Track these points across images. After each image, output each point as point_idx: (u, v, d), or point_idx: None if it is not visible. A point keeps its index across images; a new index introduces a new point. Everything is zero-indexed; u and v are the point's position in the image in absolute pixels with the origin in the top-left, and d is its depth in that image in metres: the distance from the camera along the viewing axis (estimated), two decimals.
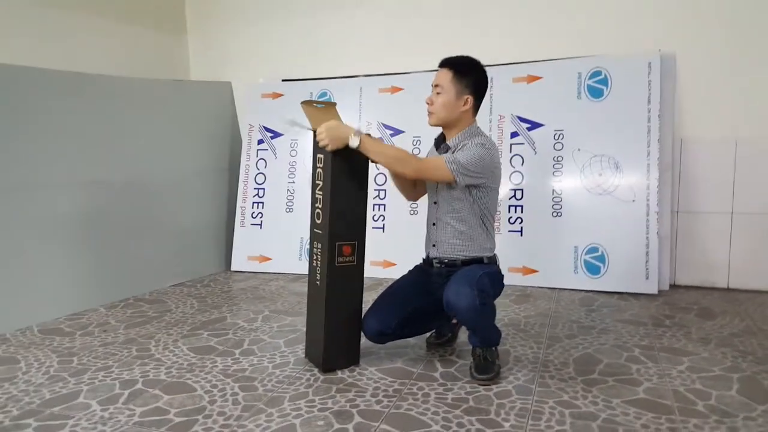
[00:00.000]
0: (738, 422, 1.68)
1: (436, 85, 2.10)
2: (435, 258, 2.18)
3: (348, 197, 2.08)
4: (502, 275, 2.19)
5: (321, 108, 2.10)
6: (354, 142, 1.96)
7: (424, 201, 2.33)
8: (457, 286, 1.96)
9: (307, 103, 2.12)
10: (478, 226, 2.13)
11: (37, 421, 1.76)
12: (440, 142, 2.19)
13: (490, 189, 2.12)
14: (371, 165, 2.09)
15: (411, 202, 2.57)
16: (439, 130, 2.22)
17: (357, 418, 1.75)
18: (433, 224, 2.19)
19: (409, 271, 2.32)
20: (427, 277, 2.21)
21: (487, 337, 2.07)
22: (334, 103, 2.11)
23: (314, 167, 2.16)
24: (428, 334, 2.41)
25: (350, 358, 2.17)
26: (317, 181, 2.14)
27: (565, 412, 1.76)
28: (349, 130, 1.98)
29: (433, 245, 2.19)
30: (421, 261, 2.30)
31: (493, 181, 2.12)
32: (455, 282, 1.99)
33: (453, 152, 2.08)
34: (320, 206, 2.11)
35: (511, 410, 1.78)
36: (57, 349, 2.42)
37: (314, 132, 2.06)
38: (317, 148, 2.11)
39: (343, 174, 2.05)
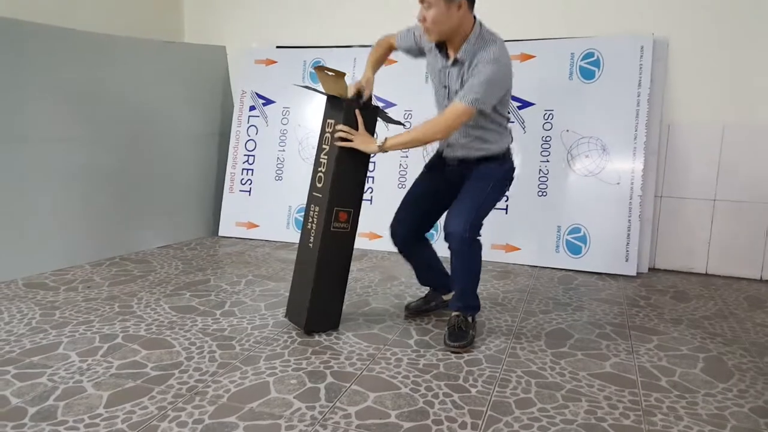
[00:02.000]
0: (698, 398, 1.74)
1: (422, 0, 1.98)
2: (449, 157, 2.21)
3: (352, 166, 2.13)
4: (514, 169, 2.26)
5: (332, 76, 2.11)
6: (375, 150, 2.08)
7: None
8: (459, 203, 2.08)
9: (319, 69, 2.13)
10: (494, 125, 2.12)
11: (17, 368, 1.80)
12: (442, 48, 2.11)
13: (504, 94, 2.10)
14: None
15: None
16: None
17: (329, 379, 1.80)
18: None
19: (423, 173, 2.35)
20: (440, 175, 2.27)
21: (464, 298, 2.14)
22: (344, 73, 2.11)
23: (322, 131, 2.19)
24: (408, 301, 2.45)
25: (332, 322, 2.22)
26: (323, 146, 2.17)
27: (531, 381, 1.81)
28: (375, 146, 2.07)
29: (448, 145, 2.21)
30: (434, 157, 2.32)
31: (508, 89, 2.10)
32: (462, 197, 2.10)
33: (466, 70, 2.03)
34: (323, 170, 2.15)
35: (480, 377, 1.83)
36: (40, 302, 2.45)
37: (328, 96, 2.14)
38: (330, 112, 2.15)
39: None
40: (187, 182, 3.89)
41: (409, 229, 2.29)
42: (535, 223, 3.37)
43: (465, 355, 2.01)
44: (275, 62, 4.02)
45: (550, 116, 3.38)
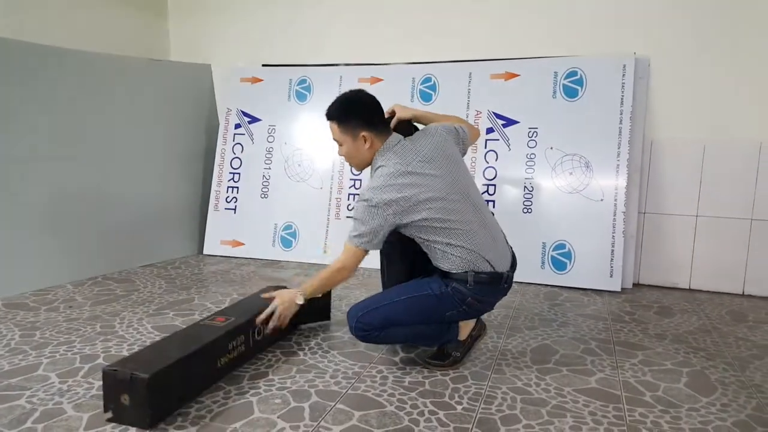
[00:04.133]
0: (682, 412, 1.75)
1: (335, 140, 2.07)
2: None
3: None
4: (458, 292, 1.97)
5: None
6: (300, 300, 2.07)
7: None
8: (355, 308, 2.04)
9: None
10: (435, 249, 1.98)
11: None
12: None
13: (424, 222, 1.92)
14: None
15: None
16: None
17: (314, 398, 1.78)
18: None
19: (428, 283, 2.08)
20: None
21: (426, 342, 2.14)
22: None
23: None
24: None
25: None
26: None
27: (516, 398, 1.81)
28: (293, 293, 2.08)
29: None
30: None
31: (416, 213, 1.90)
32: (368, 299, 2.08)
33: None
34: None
35: (465, 394, 1.83)
36: (20, 323, 2.41)
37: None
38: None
39: None
40: (171, 200, 3.87)
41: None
42: (521, 240, 3.35)
43: (451, 372, 2.00)
44: (261, 80, 4.04)
45: (535, 134, 3.42)
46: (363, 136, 2.00)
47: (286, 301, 2.08)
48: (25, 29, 3.25)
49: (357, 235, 1.93)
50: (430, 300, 1.99)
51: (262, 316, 2.05)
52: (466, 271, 1.95)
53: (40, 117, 3.05)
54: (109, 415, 1.59)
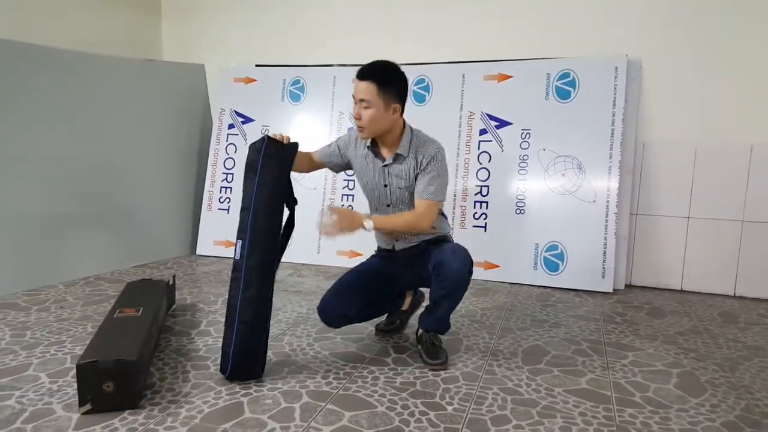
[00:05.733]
0: (671, 413, 1.75)
1: (362, 100, 2.01)
2: (400, 249, 2.22)
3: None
4: None
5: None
6: (369, 225, 2.02)
7: None
8: (452, 250, 2.04)
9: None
10: (440, 217, 2.20)
11: None
12: (376, 147, 2.15)
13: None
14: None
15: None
16: None
17: (305, 398, 1.78)
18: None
19: (371, 257, 2.34)
20: (391, 263, 2.24)
21: (442, 322, 2.14)
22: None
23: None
24: (378, 321, 2.44)
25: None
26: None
27: (507, 398, 1.81)
28: (362, 217, 2.04)
29: (396, 239, 2.21)
30: (379, 250, 2.33)
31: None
32: (448, 249, 2.06)
33: (414, 165, 2.09)
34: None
35: (456, 395, 1.83)
36: (11, 323, 2.40)
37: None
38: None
39: None
40: (164, 200, 3.86)
41: (348, 307, 2.18)
42: (514, 241, 3.39)
43: (442, 372, 2.01)
44: (254, 80, 4.04)
45: (527, 135, 3.43)
46: (395, 107, 2.03)
47: (349, 217, 2.02)
48: (17, 29, 3.23)
49: (437, 189, 2.06)
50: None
51: (325, 218, 1.99)
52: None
53: (32, 117, 3.04)
54: (88, 407, 1.62)
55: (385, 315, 2.45)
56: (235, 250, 1.89)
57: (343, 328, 2.35)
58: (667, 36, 3.31)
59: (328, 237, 2.01)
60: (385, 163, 2.13)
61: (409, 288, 2.43)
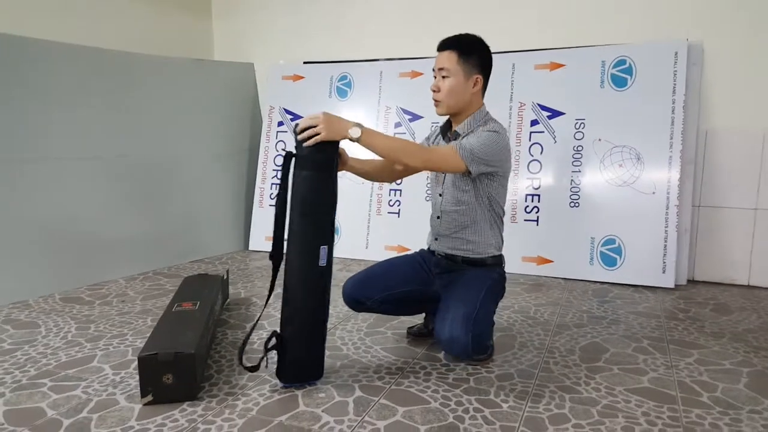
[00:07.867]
0: (742, 414, 1.66)
1: (441, 69, 1.93)
2: (437, 251, 2.13)
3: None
4: (505, 278, 2.12)
5: None
6: (355, 133, 1.74)
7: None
8: (451, 325, 1.85)
9: None
10: (485, 221, 2.03)
11: (52, 381, 1.83)
12: (446, 130, 2.06)
13: (500, 179, 2.01)
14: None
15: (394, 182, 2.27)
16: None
17: (358, 392, 1.78)
18: (438, 217, 2.10)
19: (412, 253, 2.25)
20: (427, 265, 2.14)
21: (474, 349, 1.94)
22: None
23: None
24: (411, 324, 2.35)
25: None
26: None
27: (565, 396, 1.76)
28: (349, 123, 1.76)
29: (436, 239, 2.13)
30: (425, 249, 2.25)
31: (504, 171, 2.00)
32: (453, 311, 1.88)
33: (462, 139, 1.96)
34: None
35: (511, 392, 1.79)
36: (76, 316, 2.50)
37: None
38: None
39: None
40: (217, 197, 3.95)
41: (364, 294, 2.10)
42: (568, 235, 3.30)
43: (495, 369, 1.96)
44: (302, 78, 4.07)
45: (582, 125, 3.33)
46: (477, 78, 1.96)
47: (334, 120, 1.73)
48: (71, 32, 3.36)
49: (472, 147, 1.86)
50: (497, 287, 2.07)
51: (303, 124, 1.74)
52: (501, 255, 2.12)
53: (90, 117, 3.16)
54: (149, 398, 1.67)
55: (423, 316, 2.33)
56: (320, 256, 1.78)
57: (394, 322, 2.33)
58: (731, 17, 3.14)
59: (307, 143, 1.71)
60: (443, 143, 2.04)
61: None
